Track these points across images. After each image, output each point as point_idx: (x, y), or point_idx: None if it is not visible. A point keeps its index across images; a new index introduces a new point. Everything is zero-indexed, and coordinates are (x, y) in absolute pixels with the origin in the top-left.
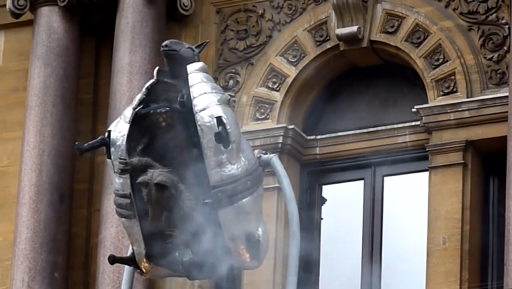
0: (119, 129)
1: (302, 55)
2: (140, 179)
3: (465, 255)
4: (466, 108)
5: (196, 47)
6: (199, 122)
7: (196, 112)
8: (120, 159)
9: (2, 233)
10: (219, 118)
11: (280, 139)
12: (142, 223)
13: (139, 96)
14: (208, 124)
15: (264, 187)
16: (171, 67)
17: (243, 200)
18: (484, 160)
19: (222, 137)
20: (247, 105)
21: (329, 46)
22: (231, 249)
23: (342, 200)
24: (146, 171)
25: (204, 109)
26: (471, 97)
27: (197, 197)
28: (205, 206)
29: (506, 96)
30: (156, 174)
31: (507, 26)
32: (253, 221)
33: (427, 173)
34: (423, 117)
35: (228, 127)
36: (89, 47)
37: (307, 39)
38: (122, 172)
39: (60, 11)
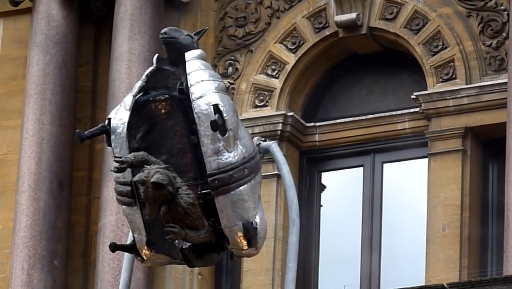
0: (119, 116)
1: (301, 42)
2: (136, 177)
3: (464, 242)
4: (465, 94)
5: (195, 34)
6: (196, 110)
7: (193, 100)
8: (115, 157)
9: (1, 221)
10: (215, 106)
11: (279, 127)
12: (143, 210)
13: (139, 84)
14: (205, 112)
15: (264, 174)
16: (170, 54)
17: (240, 188)
18: (483, 146)
19: (218, 125)
20: (246, 92)
21: (328, 33)
22: (229, 236)
23: (342, 187)
24: (143, 167)
25: (201, 97)
26: (470, 83)
27: (194, 186)
28: (202, 196)
29: (505, 83)
30: (153, 172)
31: (506, 12)
32: (250, 209)
33: (427, 159)
34: (422, 104)
35: (225, 115)
36: (88, 34)
37: (306, 26)
38: (119, 170)
39: None
